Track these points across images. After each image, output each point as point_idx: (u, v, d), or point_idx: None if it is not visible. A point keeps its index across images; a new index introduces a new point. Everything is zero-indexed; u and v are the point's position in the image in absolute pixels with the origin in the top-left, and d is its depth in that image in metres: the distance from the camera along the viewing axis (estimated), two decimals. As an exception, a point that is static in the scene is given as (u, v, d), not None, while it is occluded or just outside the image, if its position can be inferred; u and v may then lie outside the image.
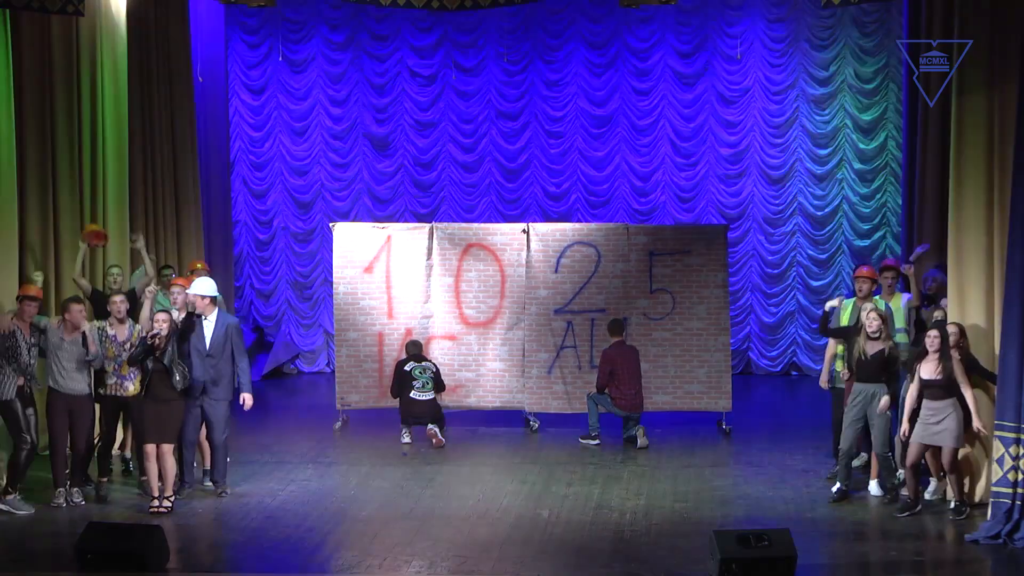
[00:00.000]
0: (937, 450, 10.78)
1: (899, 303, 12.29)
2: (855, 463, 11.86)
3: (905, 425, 10.90)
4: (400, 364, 14.03)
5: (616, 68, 18.40)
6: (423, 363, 13.96)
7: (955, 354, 10.70)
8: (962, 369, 10.61)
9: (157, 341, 10.92)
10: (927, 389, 10.69)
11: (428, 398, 13.85)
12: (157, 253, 14.95)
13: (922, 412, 10.75)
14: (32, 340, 11.12)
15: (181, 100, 15.62)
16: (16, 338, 11.02)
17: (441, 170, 18.74)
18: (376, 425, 14.58)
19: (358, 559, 9.69)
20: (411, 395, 13.82)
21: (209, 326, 11.46)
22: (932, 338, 10.65)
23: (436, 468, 12.89)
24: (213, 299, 11.54)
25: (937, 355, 10.61)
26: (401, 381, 13.90)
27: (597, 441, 13.66)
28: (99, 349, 11.26)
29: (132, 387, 11.40)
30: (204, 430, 11.70)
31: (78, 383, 11.26)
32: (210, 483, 11.68)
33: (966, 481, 10.99)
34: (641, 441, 13.48)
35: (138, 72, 14.61)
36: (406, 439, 13.73)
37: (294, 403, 17.28)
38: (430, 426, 13.66)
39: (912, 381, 10.83)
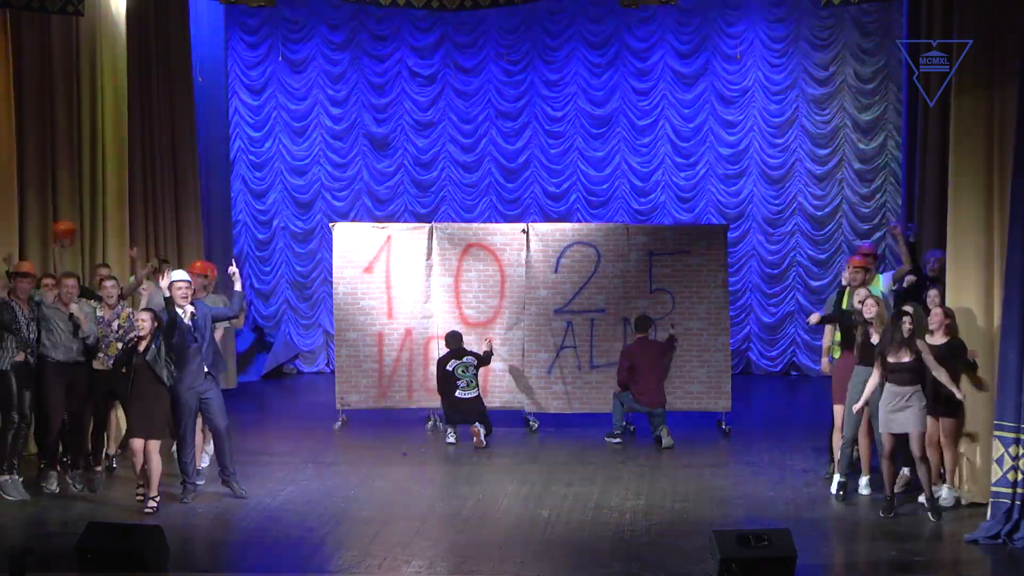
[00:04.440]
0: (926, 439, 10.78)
1: (879, 286, 12.33)
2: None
3: (859, 404, 10.87)
4: (442, 363, 13.97)
5: (616, 68, 18.40)
6: (464, 359, 13.90)
7: (937, 339, 10.72)
8: (930, 354, 10.60)
9: (138, 343, 10.92)
10: (894, 374, 10.63)
11: (473, 396, 13.84)
12: (157, 253, 14.96)
13: (886, 399, 10.67)
14: (30, 315, 11.20)
15: (181, 100, 15.63)
16: (15, 312, 11.07)
17: (441, 170, 18.74)
18: (376, 425, 14.58)
19: (358, 559, 9.69)
20: (456, 395, 13.80)
21: (187, 313, 11.32)
22: (906, 323, 10.64)
23: (436, 468, 12.91)
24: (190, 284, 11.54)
25: (906, 341, 10.60)
26: (445, 381, 13.87)
27: (619, 440, 13.67)
28: (91, 326, 11.33)
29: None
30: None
31: (72, 353, 11.32)
32: (222, 480, 11.57)
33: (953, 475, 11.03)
34: (666, 441, 13.46)
35: (138, 72, 14.61)
36: (451, 439, 13.71)
37: (294, 403, 17.28)
38: (476, 425, 13.66)
39: (877, 366, 10.77)
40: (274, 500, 11.41)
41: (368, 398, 14.68)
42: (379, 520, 10.74)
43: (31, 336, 11.20)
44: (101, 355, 11.55)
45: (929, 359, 10.60)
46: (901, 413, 10.62)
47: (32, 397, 11.29)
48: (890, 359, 10.65)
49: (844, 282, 11.76)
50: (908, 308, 10.94)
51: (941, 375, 10.58)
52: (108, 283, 11.77)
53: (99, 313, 11.58)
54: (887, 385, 10.71)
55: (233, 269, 11.88)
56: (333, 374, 15.97)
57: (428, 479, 12.39)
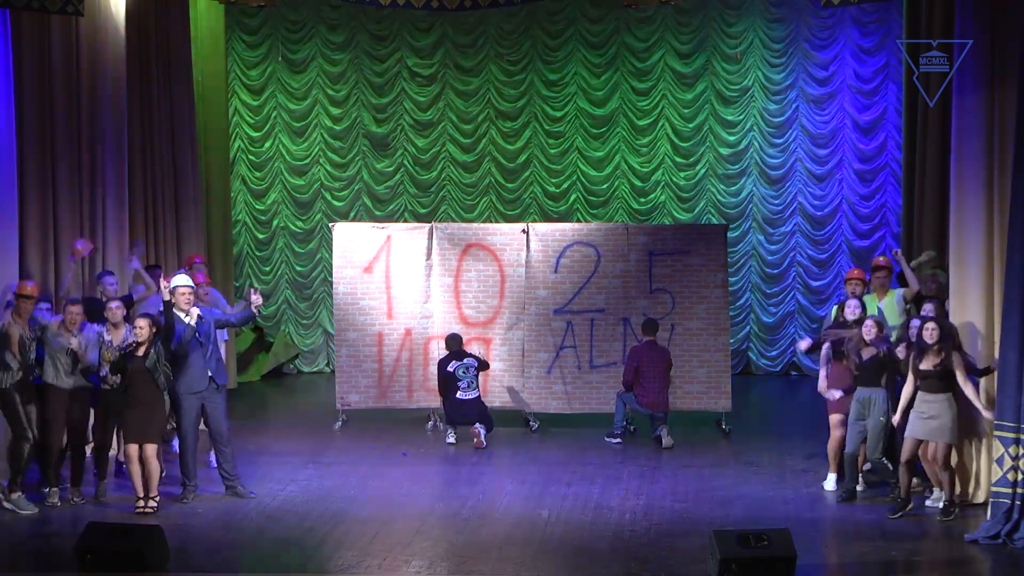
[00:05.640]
0: (935, 452, 10.77)
1: (892, 300, 12.33)
2: (864, 466, 11.89)
3: (898, 416, 10.92)
4: (443, 364, 13.97)
5: (616, 68, 18.40)
6: (465, 360, 13.90)
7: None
8: (961, 362, 10.60)
9: (136, 348, 10.88)
10: (923, 380, 10.67)
11: (473, 397, 13.83)
12: (157, 253, 14.96)
13: (916, 405, 10.73)
14: (31, 335, 11.15)
15: (181, 100, 15.61)
16: (13, 335, 11.04)
17: (441, 170, 18.74)
18: (376, 425, 14.58)
19: (358, 559, 9.69)
20: (457, 396, 13.79)
21: (194, 317, 11.35)
22: (930, 330, 10.64)
23: (436, 468, 12.91)
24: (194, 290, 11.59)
25: (936, 347, 10.60)
26: (446, 383, 13.87)
27: (620, 440, 13.68)
28: (88, 360, 11.22)
29: None
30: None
31: (76, 380, 11.27)
32: (226, 487, 11.55)
33: (957, 482, 10.97)
34: (666, 441, 13.48)
35: (138, 72, 14.60)
36: (451, 439, 13.73)
37: (294, 403, 17.28)
38: (476, 425, 13.66)
39: (910, 376, 10.81)
40: (274, 500, 11.41)
41: (368, 398, 14.68)
42: (379, 520, 10.74)
43: (31, 356, 11.14)
44: (110, 380, 11.42)
45: (960, 374, 10.56)
46: (935, 421, 10.64)
47: (37, 415, 11.26)
48: (921, 366, 10.67)
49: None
50: (932, 315, 10.92)
51: (968, 389, 10.58)
52: (113, 304, 11.65)
53: (107, 337, 11.48)
54: (919, 392, 10.74)
55: (257, 299, 11.65)
56: (333, 374, 15.98)
57: (428, 479, 12.38)
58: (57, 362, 11.22)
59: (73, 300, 11.53)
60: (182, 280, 11.53)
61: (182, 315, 11.29)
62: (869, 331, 11.18)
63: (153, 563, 9.40)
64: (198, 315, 11.33)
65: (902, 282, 12.60)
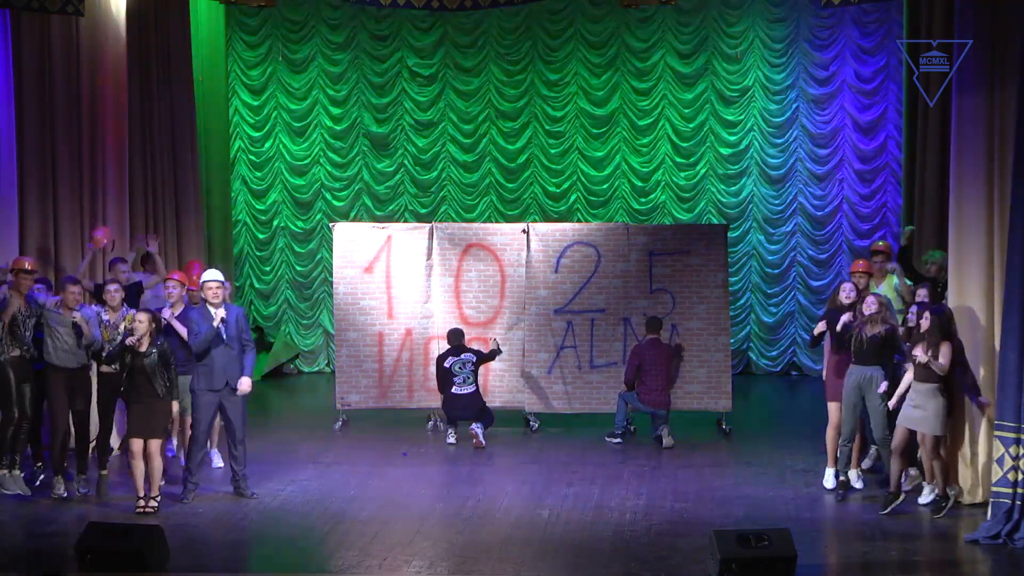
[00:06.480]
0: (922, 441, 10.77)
1: (891, 284, 12.34)
2: (864, 464, 11.89)
3: (893, 400, 10.94)
4: (440, 360, 13.97)
5: (616, 68, 18.41)
6: (462, 356, 13.88)
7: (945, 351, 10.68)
8: (948, 354, 10.54)
9: (136, 343, 10.86)
10: (916, 369, 10.68)
11: (469, 392, 13.82)
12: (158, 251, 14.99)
13: (909, 394, 10.75)
14: (27, 312, 11.14)
15: (181, 100, 15.62)
16: (12, 306, 11.07)
17: (441, 170, 18.75)
18: (376, 425, 14.59)
19: (358, 559, 9.69)
20: (452, 391, 13.79)
21: (218, 318, 11.23)
22: (924, 320, 10.65)
23: (436, 468, 12.91)
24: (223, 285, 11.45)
25: (926, 334, 10.59)
26: (443, 378, 13.88)
27: (620, 440, 13.69)
28: (92, 334, 11.25)
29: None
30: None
31: (77, 358, 11.28)
32: (233, 485, 11.54)
33: (950, 475, 10.99)
34: (666, 441, 13.47)
35: (138, 72, 14.61)
36: (451, 439, 13.72)
37: (294, 403, 17.29)
38: (473, 426, 13.65)
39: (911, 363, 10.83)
40: (274, 500, 11.41)
41: (368, 398, 14.68)
42: (379, 520, 10.74)
43: (27, 333, 11.17)
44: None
45: (937, 364, 10.52)
46: (918, 411, 10.64)
47: (32, 395, 11.28)
48: (913, 351, 10.70)
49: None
50: (927, 302, 10.92)
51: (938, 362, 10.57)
52: (111, 287, 11.70)
53: (104, 317, 11.53)
54: (913, 380, 10.76)
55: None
56: (333, 374, 15.98)
57: (428, 479, 12.38)
58: (57, 341, 11.22)
59: (70, 279, 11.54)
60: (212, 275, 11.40)
61: (211, 309, 11.22)
62: (870, 306, 11.19)
63: (153, 563, 9.40)
64: (221, 318, 11.23)
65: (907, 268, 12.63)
